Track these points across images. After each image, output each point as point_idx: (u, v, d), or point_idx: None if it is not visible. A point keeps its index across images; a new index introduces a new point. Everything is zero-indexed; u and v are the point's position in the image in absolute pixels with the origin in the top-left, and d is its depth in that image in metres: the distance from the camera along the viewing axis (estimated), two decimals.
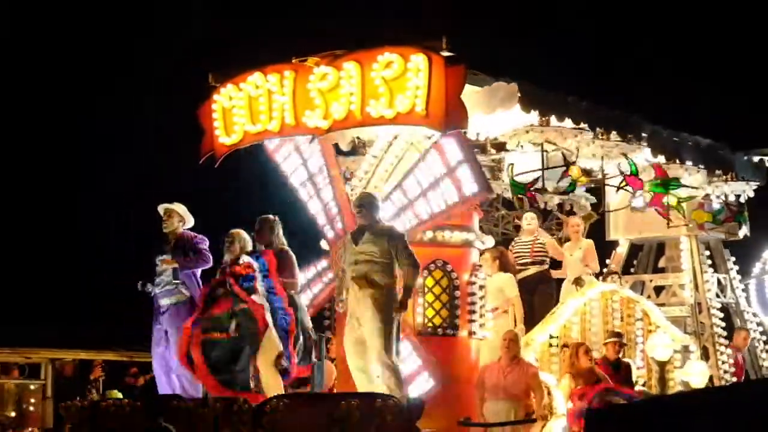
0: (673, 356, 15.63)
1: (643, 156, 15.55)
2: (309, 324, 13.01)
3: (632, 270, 18.46)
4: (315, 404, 11.35)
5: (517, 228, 17.25)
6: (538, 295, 15.89)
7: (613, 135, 15.06)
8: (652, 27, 27.45)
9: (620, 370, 14.56)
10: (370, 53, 13.09)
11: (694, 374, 15.44)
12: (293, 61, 13.61)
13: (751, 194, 17.23)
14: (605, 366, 14.39)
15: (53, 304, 23.45)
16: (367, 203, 12.82)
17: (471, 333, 13.81)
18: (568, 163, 14.80)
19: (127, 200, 14.60)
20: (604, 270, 17.26)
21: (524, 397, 13.56)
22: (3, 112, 25.37)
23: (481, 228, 14.80)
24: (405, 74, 12.81)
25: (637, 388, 14.77)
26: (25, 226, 25.46)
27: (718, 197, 17.18)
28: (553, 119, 14.23)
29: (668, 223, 16.27)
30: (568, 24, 26.08)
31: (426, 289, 13.66)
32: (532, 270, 15.99)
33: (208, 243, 13.77)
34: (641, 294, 17.54)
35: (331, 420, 10.98)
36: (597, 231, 17.98)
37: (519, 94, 13.63)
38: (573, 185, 15.10)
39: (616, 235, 18.19)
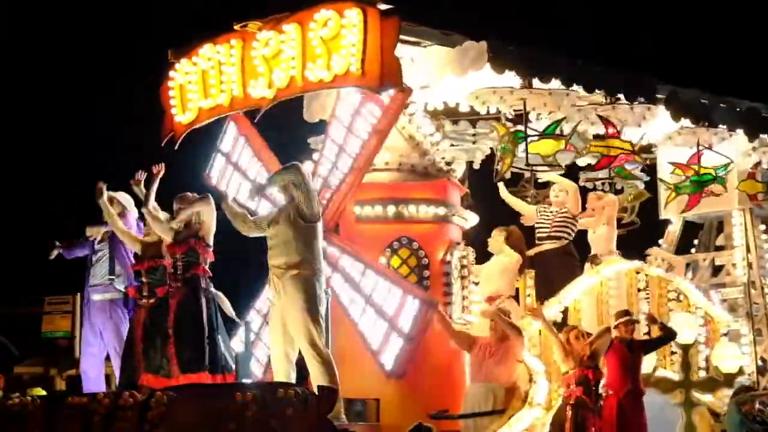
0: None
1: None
2: (231, 312, 11.78)
3: (692, 250, 16.78)
4: (207, 397, 10.13)
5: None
6: (558, 271, 14.19)
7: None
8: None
9: (634, 350, 12.87)
10: (308, 12, 12.04)
11: (726, 358, 13.70)
12: (235, 27, 12.57)
13: None
14: (620, 347, 12.70)
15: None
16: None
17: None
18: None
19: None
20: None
21: (507, 380, 12.16)
22: (2, 112, 25.08)
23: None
24: (340, 31, 11.71)
25: None
26: (25, 227, 24.99)
27: None
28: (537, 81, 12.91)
29: (700, 196, 14.65)
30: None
31: (392, 270, 12.36)
32: (547, 245, 14.40)
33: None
34: (696, 275, 15.93)
35: (224, 414, 9.79)
36: (649, 209, 16.35)
37: (489, 53, 12.36)
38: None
39: (669, 214, 16.51)
